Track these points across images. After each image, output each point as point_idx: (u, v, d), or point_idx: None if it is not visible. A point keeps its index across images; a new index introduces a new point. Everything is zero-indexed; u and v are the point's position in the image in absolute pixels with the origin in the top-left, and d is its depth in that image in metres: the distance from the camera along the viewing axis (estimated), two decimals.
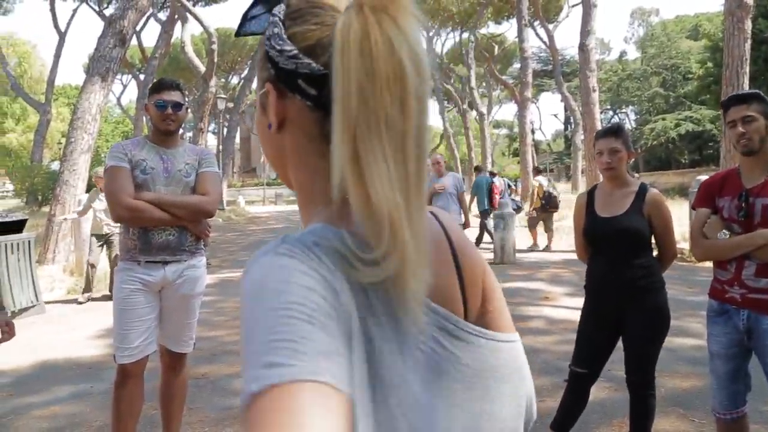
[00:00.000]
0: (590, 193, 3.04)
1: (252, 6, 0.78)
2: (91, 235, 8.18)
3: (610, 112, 49.03)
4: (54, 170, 24.73)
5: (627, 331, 2.90)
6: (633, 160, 3.00)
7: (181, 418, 3.29)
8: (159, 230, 2.89)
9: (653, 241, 2.92)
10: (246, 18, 0.79)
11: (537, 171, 14.73)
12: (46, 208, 19.16)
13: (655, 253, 2.94)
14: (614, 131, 2.90)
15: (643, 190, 2.88)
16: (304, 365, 0.52)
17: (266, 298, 0.58)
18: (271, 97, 0.74)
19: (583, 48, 16.30)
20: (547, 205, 12.08)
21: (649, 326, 2.84)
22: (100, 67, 10.93)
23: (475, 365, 0.74)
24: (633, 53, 61.17)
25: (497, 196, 12.07)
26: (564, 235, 14.75)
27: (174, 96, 2.92)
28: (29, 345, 5.67)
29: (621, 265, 2.85)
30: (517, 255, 10.87)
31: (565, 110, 48.14)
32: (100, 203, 7.81)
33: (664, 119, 36.80)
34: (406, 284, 0.62)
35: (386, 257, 0.60)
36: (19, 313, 6.94)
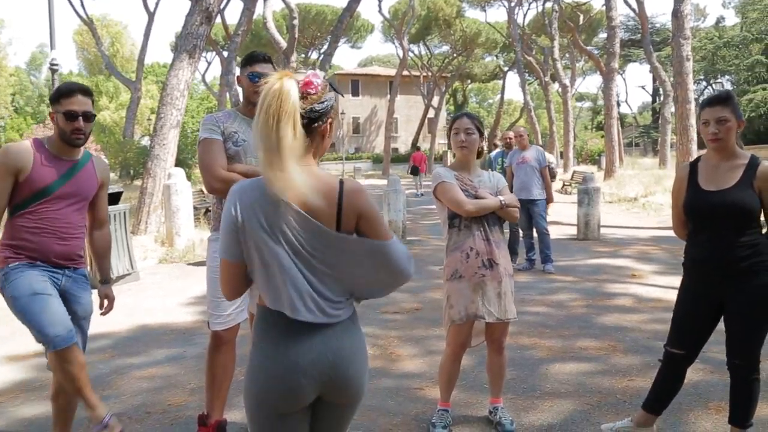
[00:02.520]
0: (693, 165, 2.85)
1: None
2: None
3: (703, 83, 46.07)
4: (144, 146, 25.92)
5: (729, 312, 2.73)
6: (741, 129, 2.78)
7: None
8: None
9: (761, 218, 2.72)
10: None
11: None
12: (137, 182, 20.15)
13: (764, 230, 2.74)
14: (722, 99, 2.69)
15: (754, 162, 2.68)
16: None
17: None
18: None
19: (677, 14, 15.28)
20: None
21: (755, 308, 2.67)
22: (187, 44, 11.27)
23: (328, 251, 1.59)
24: (732, 19, 57.20)
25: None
26: (652, 212, 14.16)
27: (266, 68, 2.96)
28: (126, 310, 6.01)
29: (725, 242, 2.67)
30: (602, 231, 10.50)
31: (654, 81, 45.70)
32: None
33: (765, 89, 34.32)
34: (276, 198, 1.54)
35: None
36: (116, 280, 7.36)
